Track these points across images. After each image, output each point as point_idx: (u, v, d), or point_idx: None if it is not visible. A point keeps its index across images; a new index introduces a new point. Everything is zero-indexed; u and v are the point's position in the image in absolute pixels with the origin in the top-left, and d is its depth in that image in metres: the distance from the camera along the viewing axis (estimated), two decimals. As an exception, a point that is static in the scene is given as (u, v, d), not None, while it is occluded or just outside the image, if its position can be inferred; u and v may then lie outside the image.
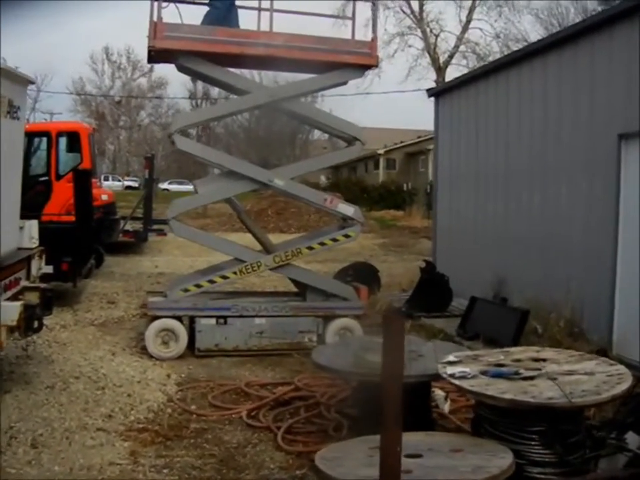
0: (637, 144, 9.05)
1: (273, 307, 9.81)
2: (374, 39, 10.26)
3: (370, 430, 5.48)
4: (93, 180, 14.69)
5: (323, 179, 56.71)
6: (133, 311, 12.17)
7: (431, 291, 12.53)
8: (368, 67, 10.23)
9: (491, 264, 12.53)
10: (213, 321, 9.56)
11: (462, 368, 4.94)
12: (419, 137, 56.52)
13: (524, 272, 11.46)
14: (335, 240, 10.17)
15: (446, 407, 6.85)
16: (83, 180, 11.79)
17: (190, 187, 59.30)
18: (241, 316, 9.63)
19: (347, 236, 10.17)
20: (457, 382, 4.70)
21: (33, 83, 7.08)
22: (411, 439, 4.49)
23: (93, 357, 9.06)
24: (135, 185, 58.34)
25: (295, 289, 10.94)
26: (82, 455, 5.93)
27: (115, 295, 13.45)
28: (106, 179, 48.41)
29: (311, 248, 10.05)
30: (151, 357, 9.30)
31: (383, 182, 45.21)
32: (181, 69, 10.31)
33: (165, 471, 5.75)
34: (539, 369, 4.92)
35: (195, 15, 9.99)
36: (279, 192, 10.89)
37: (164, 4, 9.39)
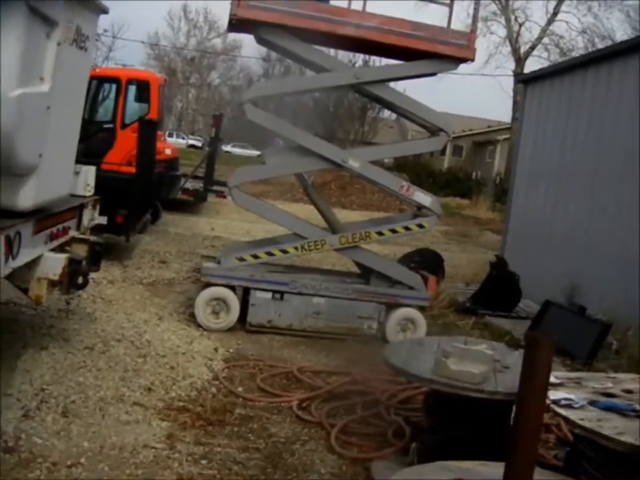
0: None
1: (334, 287, 9.13)
2: (473, 31, 9.53)
3: (442, 448, 4.83)
4: (158, 133, 14.15)
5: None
6: (185, 274, 11.60)
7: (499, 289, 11.73)
8: (464, 60, 9.36)
9: (565, 268, 11.68)
10: (269, 295, 8.93)
11: (565, 393, 4.19)
12: (489, 127, 55.45)
13: (602, 281, 10.61)
14: (407, 228, 9.45)
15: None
16: (148, 130, 11.25)
17: (252, 152, 59.52)
18: (299, 293, 8.98)
19: (420, 226, 9.44)
20: (562, 412, 3.96)
21: (106, 12, 6.40)
22: (500, 472, 3.79)
23: (138, 319, 8.49)
24: (199, 144, 58.12)
25: (354, 269, 10.26)
26: (115, 432, 5.34)
27: (167, 255, 12.91)
28: (170, 135, 48.10)
29: (380, 233, 9.35)
30: (198, 326, 8.72)
31: (450, 168, 44.11)
32: (261, 41, 9.65)
33: (203, 462, 5.12)
34: (658, 406, 4.16)
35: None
36: (352, 173, 10.18)
37: None
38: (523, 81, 14.65)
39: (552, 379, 4.47)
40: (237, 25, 9.11)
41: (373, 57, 30.08)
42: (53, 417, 5.41)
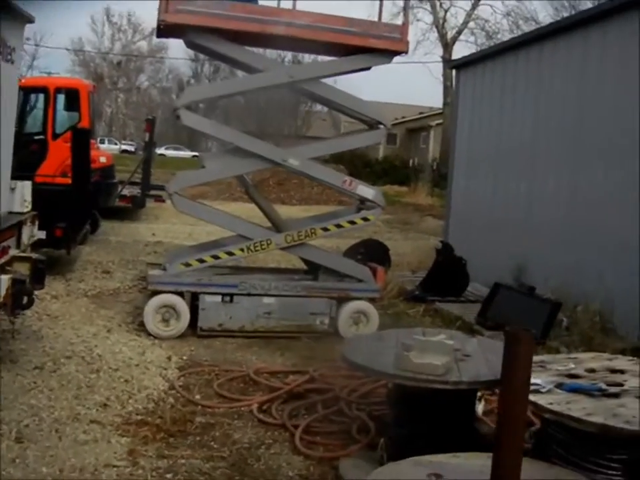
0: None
1: (283, 285, 9.07)
2: (405, 24, 9.46)
3: (410, 442, 4.80)
4: (92, 141, 13.85)
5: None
6: (129, 283, 11.38)
7: (447, 274, 11.79)
8: (397, 53, 9.34)
9: (510, 249, 11.79)
10: (218, 298, 8.82)
11: (532, 379, 4.18)
12: (421, 113, 55.88)
13: (548, 260, 10.73)
14: (352, 222, 9.44)
15: (480, 408, 6.17)
16: (81, 140, 10.96)
17: (186, 153, 58.81)
18: (248, 294, 8.88)
19: (365, 219, 9.43)
20: (531, 397, 3.93)
21: (31, 21, 6.18)
22: (474, 463, 3.77)
23: (87, 333, 8.29)
24: (132, 149, 57.24)
25: (300, 265, 10.23)
26: (73, 453, 5.17)
27: (110, 264, 12.64)
28: (102, 141, 47.32)
29: (326, 229, 9.31)
30: (149, 335, 8.56)
31: (386, 156, 44.30)
32: (191, 45, 9.57)
33: (168, 475, 5.00)
34: (621, 384, 4.18)
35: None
36: (293, 171, 10.12)
37: None
38: (455, 66, 14.74)
39: (514, 364, 4.49)
40: (165, 30, 8.96)
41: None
42: (6, 444, 5.21)
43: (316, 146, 10.49)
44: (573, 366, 4.54)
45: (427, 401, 4.85)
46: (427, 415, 4.85)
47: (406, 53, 9.32)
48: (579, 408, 3.87)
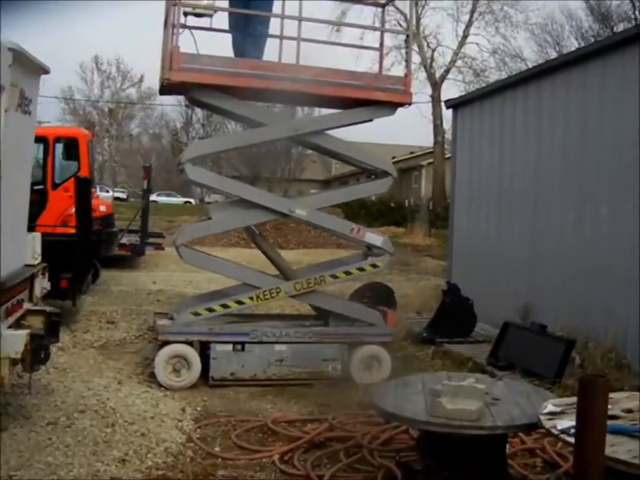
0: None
1: (294, 332, 8.98)
2: (408, 75, 9.53)
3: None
4: (92, 190, 13.82)
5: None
6: (135, 333, 11.22)
7: (454, 315, 11.70)
8: (401, 105, 9.40)
9: (516, 287, 11.74)
10: (230, 347, 8.70)
11: (570, 421, 4.09)
12: (412, 153, 56.32)
13: (555, 297, 10.69)
14: (361, 269, 9.42)
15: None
16: (83, 189, 10.91)
17: (179, 200, 58.80)
18: (260, 342, 8.78)
19: (374, 266, 9.43)
20: (572, 440, 3.85)
21: (47, 72, 6.15)
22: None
23: (97, 385, 8.15)
24: (124, 196, 57.27)
25: (305, 310, 10.14)
26: (96, 513, 5.05)
27: (114, 314, 12.49)
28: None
29: (335, 277, 9.26)
30: (160, 385, 8.42)
31: (380, 197, 44.48)
32: (193, 101, 9.60)
33: (196, 534, 4.87)
34: (662, 425, 4.10)
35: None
36: (300, 222, 10.15)
37: (180, 30, 8.61)
38: (452, 105, 14.79)
39: (552, 408, 4.42)
40: (168, 87, 8.98)
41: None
42: (27, 505, 5.08)
43: (322, 196, 10.54)
44: (609, 407, 4.45)
45: (459, 447, 4.76)
46: (459, 462, 4.75)
47: (409, 104, 9.39)
48: (625, 450, 3.78)
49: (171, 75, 8.46)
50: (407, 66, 9.68)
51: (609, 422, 4.13)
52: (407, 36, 10.14)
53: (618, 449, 3.77)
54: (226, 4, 9.41)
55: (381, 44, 10.21)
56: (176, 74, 8.47)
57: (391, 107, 9.38)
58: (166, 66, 8.51)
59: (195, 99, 9.24)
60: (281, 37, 9.06)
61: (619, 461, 3.65)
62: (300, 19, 8.88)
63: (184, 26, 8.79)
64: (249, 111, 9.24)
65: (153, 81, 65.41)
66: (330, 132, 9.51)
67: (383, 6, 10.67)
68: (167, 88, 9.07)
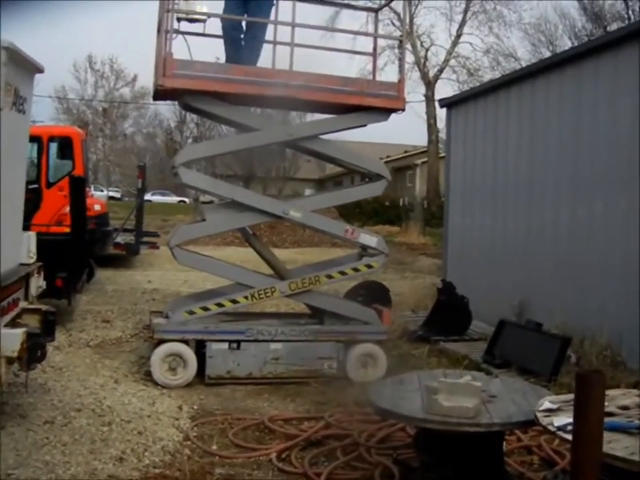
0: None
1: (290, 330, 8.98)
2: (401, 80, 9.55)
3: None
4: (87, 189, 13.80)
5: (308, 192, 55.90)
6: (131, 331, 11.21)
7: (450, 313, 11.72)
8: (394, 111, 9.42)
9: (511, 285, 11.77)
10: (225, 345, 8.72)
11: (567, 418, 4.11)
12: (406, 152, 56.35)
13: (550, 295, 10.70)
14: (356, 270, 9.46)
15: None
16: (78, 188, 10.89)
17: (173, 199, 58.62)
18: (255, 340, 8.79)
19: (369, 266, 9.48)
20: (569, 437, 3.86)
21: (41, 71, 6.14)
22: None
23: (93, 384, 8.15)
24: (118, 195, 57.19)
25: (300, 308, 10.17)
26: (95, 512, 5.05)
27: (109, 313, 12.49)
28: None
29: (330, 276, 9.28)
30: (156, 384, 8.42)
31: (375, 197, 44.59)
32: (186, 107, 9.61)
33: (196, 531, 4.88)
34: (658, 421, 4.12)
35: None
36: (294, 223, 10.17)
37: (173, 35, 8.60)
38: (446, 104, 14.82)
39: (548, 405, 4.44)
40: (162, 93, 9.00)
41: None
42: (25, 504, 5.08)
43: (317, 198, 10.57)
44: (606, 404, 4.47)
45: (456, 445, 4.77)
46: (457, 458, 4.77)
47: (403, 110, 9.40)
48: (621, 447, 3.79)
49: (164, 81, 8.45)
50: (400, 71, 9.74)
51: (605, 419, 4.16)
52: (400, 41, 10.12)
53: (615, 445, 3.78)
54: (220, 8, 9.41)
55: (374, 49, 10.26)
56: (169, 80, 8.47)
57: (384, 112, 9.40)
58: (159, 72, 8.51)
59: (189, 105, 9.26)
60: (275, 43, 9.10)
61: (616, 457, 3.67)
62: (294, 25, 8.89)
63: (177, 31, 8.83)
64: (242, 116, 9.26)
65: (146, 81, 64.63)
66: (323, 136, 9.55)
67: (376, 11, 10.72)
68: (160, 94, 9.10)
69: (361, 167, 9.72)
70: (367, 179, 10.02)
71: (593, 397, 2.67)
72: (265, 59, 9.19)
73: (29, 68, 5.89)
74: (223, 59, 9.38)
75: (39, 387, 7.81)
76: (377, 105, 9.24)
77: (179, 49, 8.79)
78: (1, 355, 5.45)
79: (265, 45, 9.25)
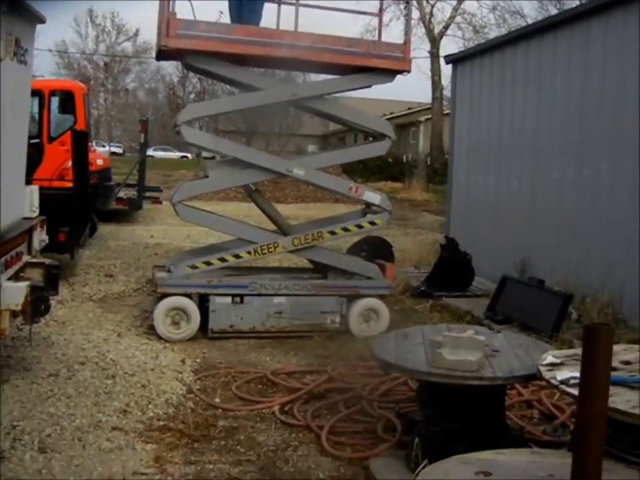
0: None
1: (293, 284, 9.00)
2: (407, 42, 9.39)
3: (444, 440, 4.74)
4: (89, 143, 13.71)
5: (311, 148, 55.74)
6: (134, 286, 11.25)
7: (452, 270, 11.71)
8: (400, 72, 9.31)
9: (514, 242, 11.74)
10: (229, 299, 8.72)
11: (570, 372, 4.12)
12: (410, 109, 55.94)
13: (553, 252, 10.68)
14: (359, 226, 9.45)
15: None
16: (81, 142, 10.82)
17: (176, 154, 58.38)
18: (258, 294, 8.80)
19: (372, 223, 9.45)
20: (574, 392, 3.86)
21: (43, 21, 6.05)
22: (519, 459, 3.71)
23: (97, 338, 8.20)
24: (120, 151, 56.93)
25: (303, 263, 10.26)
26: (99, 462, 5.07)
27: (112, 268, 12.52)
28: (89, 144, 46.90)
29: (333, 233, 9.26)
30: (159, 338, 8.47)
31: (378, 153, 44.45)
32: (190, 67, 9.57)
33: (198, 482, 4.92)
34: (660, 375, 4.14)
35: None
36: (298, 181, 10.15)
37: None
38: (452, 61, 14.64)
39: (552, 359, 4.44)
40: (165, 53, 8.92)
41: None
42: (30, 455, 5.10)
43: (321, 156, 10.53)
44: (609, 358, 4.48)
45: (459, 398, 4.79)
46: (460, 412, 4.79)
47: (408, 72, 9.29)
48: (623, 401, 3.81)
49: (167, 41, 8.37)
50: (407, 33, 9.55)
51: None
52: (407, 2, 9.98)
53: (616, 399, 3.79)
54: None
55: (380, 9, 10.16)
56: (173, 40, 8.38)
57: (390, 74, 9.32)
58: (162, 32, 8.40)
59: (192, 65, 9.18)
60: (279, 2, 8.98)
61: (617, 410, 3.69)
62: None
63: None
64: (246, 76, 9.17)
65: (148, 35, 63.97)
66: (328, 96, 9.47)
67: None
68: (164, 54, 9.02)
69: (366, 126, 9.66)
70: (371, 138, 9.94)
71: (601, 349, 2.64)
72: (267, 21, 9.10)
73: (30, 18, 5.80)
74: (226, 13, 9.28)
75: (42, 340, 7.86)
76: (383, 66, 9.14)
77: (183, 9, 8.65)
78: (3, 308, 5.44)
79: (269, 5, 9.12)
